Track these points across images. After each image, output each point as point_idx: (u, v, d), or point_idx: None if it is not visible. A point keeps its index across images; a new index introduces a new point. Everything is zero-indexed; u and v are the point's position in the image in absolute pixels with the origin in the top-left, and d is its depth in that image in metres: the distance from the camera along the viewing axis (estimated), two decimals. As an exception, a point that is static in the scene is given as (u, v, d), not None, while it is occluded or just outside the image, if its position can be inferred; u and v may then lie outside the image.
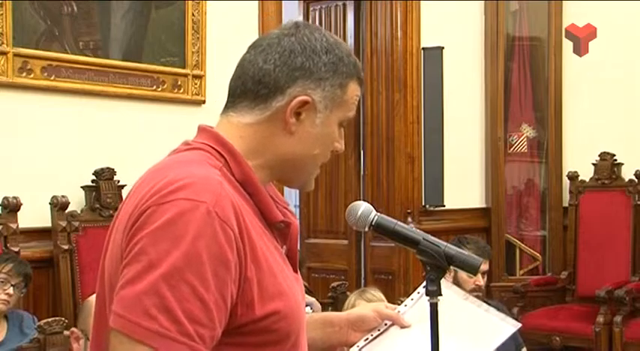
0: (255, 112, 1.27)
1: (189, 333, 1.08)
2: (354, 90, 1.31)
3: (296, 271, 1.33)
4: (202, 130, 1.30)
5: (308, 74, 1.26)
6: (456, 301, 1.57)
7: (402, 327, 1.53)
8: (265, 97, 1.26)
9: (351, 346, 1.54)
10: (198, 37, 4.14)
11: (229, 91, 1.31)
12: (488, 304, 3.92)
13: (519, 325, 1.57)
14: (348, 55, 1.31)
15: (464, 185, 5.48)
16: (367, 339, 1.53)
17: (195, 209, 1.11)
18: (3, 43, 3.43)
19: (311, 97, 1.26)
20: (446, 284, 1.57)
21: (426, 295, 1.40)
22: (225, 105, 1.31)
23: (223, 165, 1.23)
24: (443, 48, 5.24)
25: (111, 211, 3.68)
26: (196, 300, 1.09)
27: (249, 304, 1.16)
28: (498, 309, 3.87)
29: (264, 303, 1.17)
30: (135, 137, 3.94)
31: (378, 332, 1.54)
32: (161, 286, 1.08)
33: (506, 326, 1.55)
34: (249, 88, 1.27)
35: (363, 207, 1.46)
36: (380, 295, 2.94)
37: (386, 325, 1.55)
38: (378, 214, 1.47)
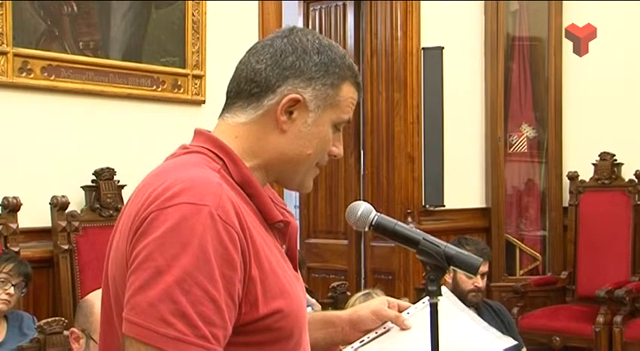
0: (249, 111, 1.29)
1: (206, 335, 1.10)
2: (348, 92, 1.31)
3: (296, 270, 1.34)
4: (199, 133, 1.31)
5: (298, 73, 1.27)
6: (456, 314, 1.57)
7: (402, 329, 1.52)
8: (257, 95, 1.28)
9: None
10: (198, 37, 4.14)
11: (226, 94, 1.33)
12: (488, 305, 3.91)
13: (515, 342, 1.58)
14: (342, 57, 1.32)
15: (464, 185, 5.48)
16: (362, 341, 1.52)
17: (198, 213, 1.11)
18: (3, 43, 3.43)
19: (302, 96, 1.27)
20: (447, 296, 1.57)
21: (426, 295, 1.40)
22: (222, 108, 1.33)
23: (221, 167, 1.24)
24: (443, 48, 5.24)
25: (111, 211, 3.68)
26: (209, 302, 1.10)
27: (254, 303, 1.17)
28: (498, 309, 3.86)
29: (267, 302, 1.18)
30: (135, 137, 3.94)
31: (375, 335, 1.53)
32: (174, 292, 1.09)
33: (501, 342, 1.55)
34: (242, 88, 1.29)
35: (363, 207, 1.46)
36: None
37: (385, 328, 1.54)
38: (378, 214, 1.47)
